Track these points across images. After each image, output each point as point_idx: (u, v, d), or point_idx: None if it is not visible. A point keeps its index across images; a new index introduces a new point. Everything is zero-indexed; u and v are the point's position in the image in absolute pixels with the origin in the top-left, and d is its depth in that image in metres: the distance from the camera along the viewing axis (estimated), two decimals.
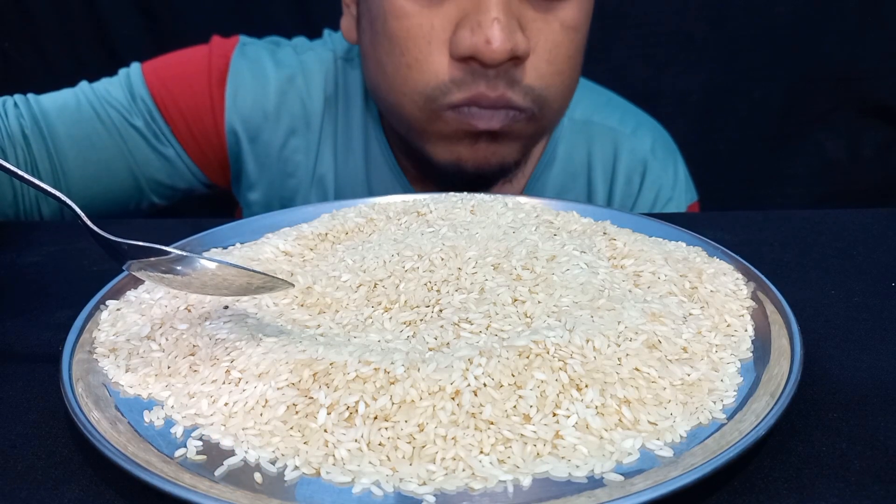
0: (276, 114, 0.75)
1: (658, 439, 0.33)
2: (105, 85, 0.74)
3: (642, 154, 0.78)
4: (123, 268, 0.39)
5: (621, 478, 0.31)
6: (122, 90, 0.73)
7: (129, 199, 0.75)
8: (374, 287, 0.43)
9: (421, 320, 0.40)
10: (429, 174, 0.73)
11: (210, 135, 0.75)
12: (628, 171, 0.77)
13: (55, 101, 0.71)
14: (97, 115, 0.71)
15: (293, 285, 0.40)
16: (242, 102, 0.74)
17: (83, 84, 0.74)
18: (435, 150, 0.68)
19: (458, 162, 0.68)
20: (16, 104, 0.69)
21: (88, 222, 0.38)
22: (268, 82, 0.75)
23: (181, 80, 0.74)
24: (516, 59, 0.63)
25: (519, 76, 0.64)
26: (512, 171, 0.73)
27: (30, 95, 0.71)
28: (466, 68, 0.63)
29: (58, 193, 0.38)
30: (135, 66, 0.75)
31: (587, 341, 0.37)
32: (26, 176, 0.38)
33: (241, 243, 0.52)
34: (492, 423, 0.33)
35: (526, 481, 0.31)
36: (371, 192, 0.76)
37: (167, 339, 0.40)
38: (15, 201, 0.68)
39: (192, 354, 0.39)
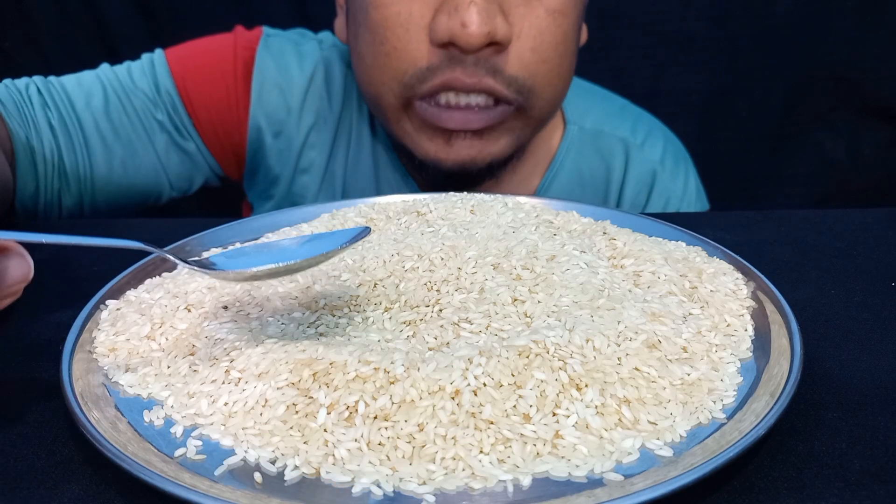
0: (300, 110, 0.75)
1: (658, 439, 0.33)
2: (128, 72, 0.73)
3: (652, 164, 0.77)
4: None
5: (621, 477, 0.31)
6: (146, 79, 0.72)
7: (150, 193, 0.74)
8: (374, 287, 0.43)
9: (421, 320, 0.40)
10: (419, 170, 0.73)
11: (232, 128, 0.75)
12: (637, 182, 0.77)
13: (80, 89, 0.70)
14: (124, 109, 0.71)
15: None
16: (268, 98, 0.74)
17: (105, 69, 0.73)
18: (412, 145, 0.68)
19: (436, 161, 0.67)
20: (39, 91, 0.68)
21: (171, 257, 0.38)
22: (292, 78, 0.74)
23: (206, 69, 0.73)
24: (497, 46, 0.62)
25: (501, 65, 0.63)
26: (501, 169, 0.72)
27: (52, 79, 0.70)
28: (445, 55, 0.62)
29: (127, 244, 0.37)
30: (158, 53, 0.74)
31: (587, 341, 0.37)
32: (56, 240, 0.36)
33: (241, 243, 0.52)
34: (492, 423, 0.33)
35: (526, 481, 0.31)
36: (379, 192, 0.75)
37: (167, 339, 0.40)
38: (36, 192, 0.67)
39: (192, 354, 0.39)
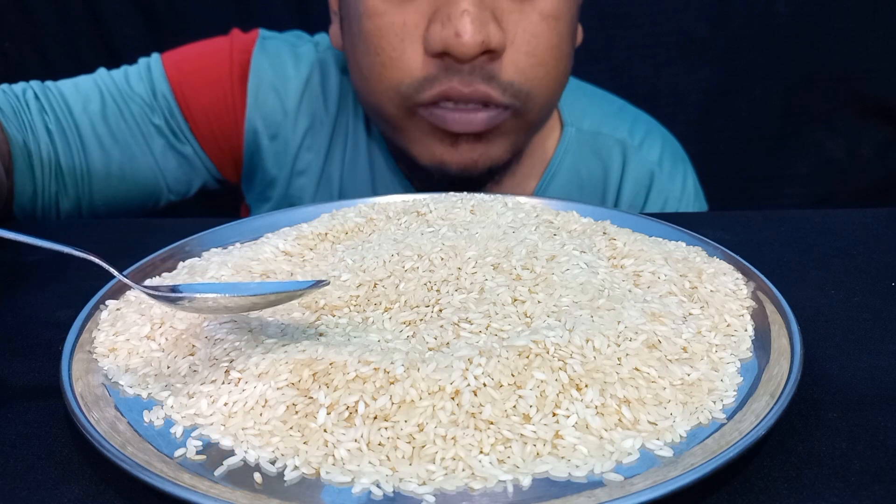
0: (296, 112, 0.75)
1: (658, 439, 0.33)
2: (125, 77, 0.73)
3: (649, 165, 0.77)
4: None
5: (621, 478, 0.31)
6: (143, 84, 0.72)
7: (147, 196, 0.74)
8: (374, 287, 0.43)
9: (421, 320, 0.40)
10: (418, 176, 0.73)
11: (229, 131, 0.75)
12: (635, 183, 0.77)
13: (77, 94, 0.70)
14: (121, 114, 0.71)
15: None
16: (264, 100, 0.74)
17: (103, 74, 0.73)
18: (417, 150, 0.68)
19: (441, 164, 0.67)
20: (36, 95, 0.68)
21: (115, 272, 0.39)
22: (288, 80, 0.74)
23: (203, 73, 0.73)
24: (491, 53, 0.62)
25: (496, 71, 0.63)
26: (500, 173, 0.72)
27: (49, 84, 0.70)
28: (440, 64, 0.62)
29: (77, 253, 0.38)
30: (155, 58, 0.74)
31: (587, 341, 0.37)
32: (34, 241, 0.37)
33: (241, 243, 0.52)
34: (491, 423, 0.33)
35: (526, 481, 0.31)
36: (375, 193, 0.76)
37: (167, 339, 0.40)
38: (34, 196, 0.67)
39: (192, 354, 0.39)
